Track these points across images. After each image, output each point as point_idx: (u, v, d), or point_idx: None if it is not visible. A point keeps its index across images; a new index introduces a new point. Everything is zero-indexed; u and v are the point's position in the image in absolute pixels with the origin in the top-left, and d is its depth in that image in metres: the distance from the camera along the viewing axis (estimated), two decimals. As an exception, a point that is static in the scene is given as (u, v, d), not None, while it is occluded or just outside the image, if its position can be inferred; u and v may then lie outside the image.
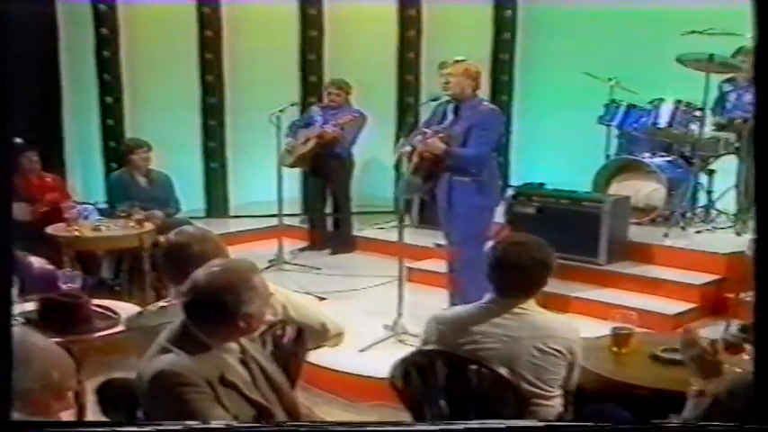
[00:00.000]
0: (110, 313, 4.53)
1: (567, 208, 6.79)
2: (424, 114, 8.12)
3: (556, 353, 3.53)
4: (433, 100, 6.09)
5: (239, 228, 8.48)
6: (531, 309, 3.64)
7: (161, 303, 3.69)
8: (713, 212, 7.26)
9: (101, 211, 7.18)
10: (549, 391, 3.54)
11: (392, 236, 8.15)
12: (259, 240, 8.25)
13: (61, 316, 4.33)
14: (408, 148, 6.06)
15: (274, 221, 8.10)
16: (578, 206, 6.75)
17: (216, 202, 9.00)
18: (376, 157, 8.73)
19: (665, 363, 3.79)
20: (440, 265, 7.14)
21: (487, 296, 3.72)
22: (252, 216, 8.78)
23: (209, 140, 8.93)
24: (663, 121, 7.13)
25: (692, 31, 6.92)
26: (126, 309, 4.63)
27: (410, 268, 7.33)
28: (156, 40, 8.54)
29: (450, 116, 6.01)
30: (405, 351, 5.18)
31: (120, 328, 4.33)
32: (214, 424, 2.57)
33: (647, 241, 6.87)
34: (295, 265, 7.68)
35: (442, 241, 7.13)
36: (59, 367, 2.50)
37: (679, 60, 7.01)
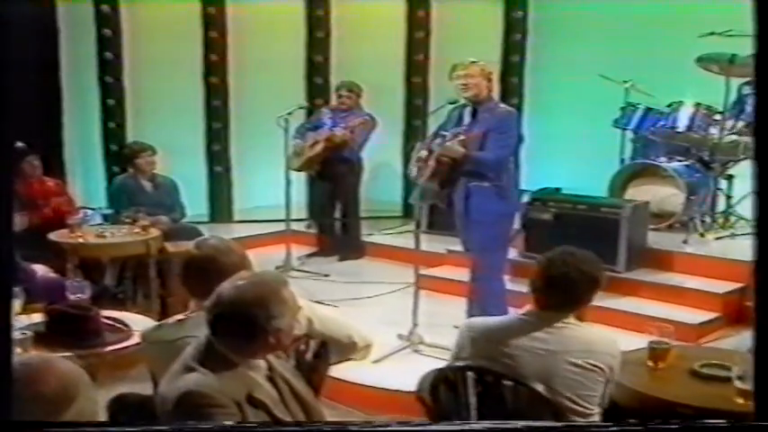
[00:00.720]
0: (121, 325, 4.34)
1: (584, 214, 6.62)
2: (435, 119, 8.08)
3: (596, 369, 3.38)
4: (452, 103, 5.88)
5: (244, 233, 8.25)
6: (571, 323, 3.47)
7: (179, 316, 3.49)
8: (732, 218, 7.09)
9: (105, 217, 6.98)
10: (588, 409, 3.38)
11: (401, 241, 8.06)
12: (265, 246, 8.07)
13: (70, 328, 4.13)
14: (425, 153, 5.88)
15: (280, 226, 7.96)
16: (597, 212, 6.59)
17: (220, 207, 8.82)
18: (383, 161, 8.57)
19: (706, 379, 3.65)
20: (452, 273, 6.99)
21: (526, 308, 3.58)
22: (257, 221, 8.60)
23: (214, 144, 8.76)
24: (682, 124, 6.98)
25: (711, 33, 6.74)
26: (137, 320, 4.45)
27: (421, 275, 7.15)
28: (160, 42, 8.36)
29: (468, 119, 5.83)
30: (421, 362, 5.03)
31: (132, 341, 4.15)
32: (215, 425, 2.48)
33: (666, 248, 6.70)
34: (303, 271, 7.50)
35: (454, 247, 7.00)
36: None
37: (698, 62, 6.84)
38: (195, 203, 8.14)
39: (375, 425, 2.21)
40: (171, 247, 6.48)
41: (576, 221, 6.60)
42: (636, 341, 5.72)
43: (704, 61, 6.86)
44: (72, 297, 4.53)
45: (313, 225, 8.38)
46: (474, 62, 5.87)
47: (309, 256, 7.95)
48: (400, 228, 8.48)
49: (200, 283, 3.29)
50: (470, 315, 6.03)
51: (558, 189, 7.00)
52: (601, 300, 6.31)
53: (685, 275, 6.47)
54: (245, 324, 2.82)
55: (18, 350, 3.76)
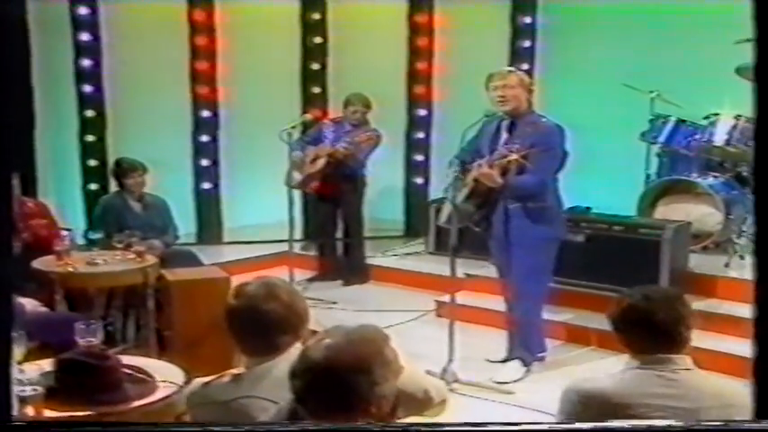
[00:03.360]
0: (143, 376, 3.70)
1: (621, 236, 6.18)
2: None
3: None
4: (488, 116, 5.33)
5: (235, 255, 7.63)
6: (691, 368, 3.01)
7: (233, 371, 3.00)
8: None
9: (93, 242, 6.30)
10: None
11: (408, 264, 7.54)
12: (261, 269, 7.45)
13: (87, 382, 3.48)
14: (456, 169, 5.34)
15: (276, 248, 7.48)
16: (634, 234, 6.13)
17: (208, 227, 8.18)
18: (383, 177, 7.97)
19: None
20: (474, 299, 6.45)
21: (630, 359, 3.10)
22: (249, 242, 7.99)
23: (202, 159, 8.12)
24: (719, 138, 6.49)
25: (748, 40, 6.25)
26: (159, 368, 3.83)
27: (439, 301, 6.63)
28: (143, 48, 7.75)
29: (505, 134, 5.30)
30: (459, 402, 4.56)
31: (159, 394, 3.56)
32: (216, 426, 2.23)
33: (708, 272, 6.23)
34: (308, 299, 6.85)
35: (474, 271, 6.48)
36: None
37: (739, 72, 6.37)
38: (181, 223, 7.43)
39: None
40: (169, 275, 5.84)
41: (611, 244, 6.17)
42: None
43: (745, 70, 6.38)
44: (81, 341, 3.89)
45: (310, 246, 7.77)
46: (512, 71, 5.37)
47: (311, 280, 7.37)
48: (404, 248, 7.94)
49: (245, 338, 2.96)
50: (511, 348, 5.54)
51: (588, 208, 6.47)
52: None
53: (731, 302, 5.97)
54: (343, 393, 2.34)
55: (29, 410, 3.20)
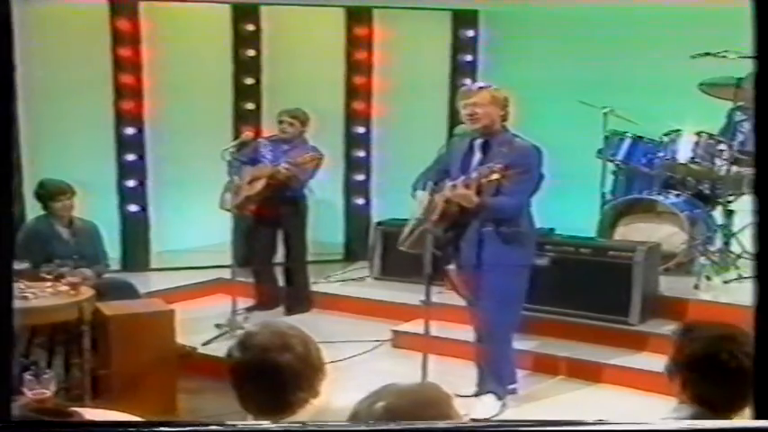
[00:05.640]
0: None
1: (589, 259, 5.89)
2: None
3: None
4: (458, 135, 4.99)
5: (165, 284, 7.06)
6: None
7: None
8: (734, 257, 6.41)
9: (16, 273, 5.67)
10: None
11: (353, 290, 7.16)
12: (194, 299, 6.97)
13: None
14: (425, 194, 4.96)
15: (208, 275, 7.14)
16: (604, 256, 5.85)
17: (134, 253, 7.57)
18: (322, 197, 7.51)
19: None
20: (434, 329, 6.04)
21: (682, 409, 2.71)
22: (179, 268, 7.47)
23: (127, 179, 7.53)
24: (683, 155, 6.26)
25: (706, 54, 6.09)
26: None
27: (395, 331, 6.22)
28: (61, 60, 7.13)
29: (478, 154, 4.94)
30: None
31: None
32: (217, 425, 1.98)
33: (678, 295, 5.97)
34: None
35: (428, 297, 6.08)
36: None
37: (702, 87, 6.19)
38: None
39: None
40: (105, 308, 5.30)
41: (578, 267, 5.89)
42: (657, 404, 5.01)
43: (709, 86, 6.19)
44: (29, 394, 3.39)
45: (242, 273, 7.25)
46: (483, 87, 4.99)
47: (250, 309, 6.83)
48: (346, 273, 7.51)
49: (255, 396, 2.57)
50: (481, 382, 5.17)
51: (552, 229, 6.14)
52: (613, 357, 5.60)
53: (706, 326, 5.72)
54: None
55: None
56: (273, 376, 2.51)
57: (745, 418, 2.67)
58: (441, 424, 2.10)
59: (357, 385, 4.75)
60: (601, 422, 1.85)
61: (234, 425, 2.06)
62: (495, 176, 4.57)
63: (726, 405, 2.64)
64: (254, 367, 2.53)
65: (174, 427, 1.92)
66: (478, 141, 4.94)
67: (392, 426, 2.04)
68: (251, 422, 2.48)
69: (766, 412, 1.78)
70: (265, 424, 2.44)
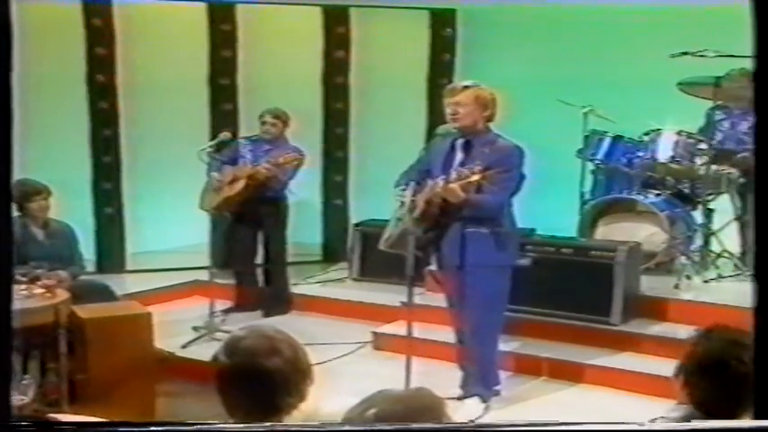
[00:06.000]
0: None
1: (570, 259, 5.87)
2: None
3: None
4: (440, 134, 4.95)
5: (141, 286, 6.97)
6: None
7: None
8: (714, 256, 6.42)
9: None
10: None
11: (332, 291, 7.11)
12: (170, 301, 6.91)
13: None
14: (408, 193, 4.92)
15: (185, 276, 7.11)
16: (585, 256, 5.84)
17: (110, 254, 7.47)
18: (300, 198, 7.45)
19: None
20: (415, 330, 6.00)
21: (681, 409, 2.68)
22: (155, 270, 7.39)
23: (102, 181, 7.44)
24: (663, 155, 6.25)
25: (684, 53, 6.08)
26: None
27: (376, 333, 6.18)
28: (32, 58, 6.89)
29: (460, 154, 4.90)
30: None
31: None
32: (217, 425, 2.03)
33: (659, 295, 5.96)
34: (225, 332, 6.28)
35: (407, 298, 6.04)
36: None
37: (681, 86, 6.18)
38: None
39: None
40: (81, 311, 5.22)
41: (559, 267, 5.87)
42: (640, 405, 5.00)
43: (687, 85, 6.19)
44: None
45: (220, 274, 7.18)
46: (468, 86, 4.94)
47: (227, 311, 6.76)
48: (325, 274, 7.46)
49: (242, 402, 2.50)
50: (466, 384, 5.13)
51: (532, 230, 6.12)
52: (595, 357, 5.58)
53: (686, 326, 5.68)
54: None
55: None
56: (262, 381, 2.47)
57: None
58: (426, 426, 2.09)
59: (343, 389, 4.74)
60: (584, 423, 1.94)
61: (234, 425, 2.21)
62: (475, 178, 4.53)
63: (730, 411, 2.62)
64: (242, 372, 2.48)
65: (167, 426, 1.90)
66: (460, 141, 4.91)
67: (378, 426, 2.02)
68: (240, 425, 2.44)
69: (766, 412, 1.78)
70: (254, 426, 2.38)
